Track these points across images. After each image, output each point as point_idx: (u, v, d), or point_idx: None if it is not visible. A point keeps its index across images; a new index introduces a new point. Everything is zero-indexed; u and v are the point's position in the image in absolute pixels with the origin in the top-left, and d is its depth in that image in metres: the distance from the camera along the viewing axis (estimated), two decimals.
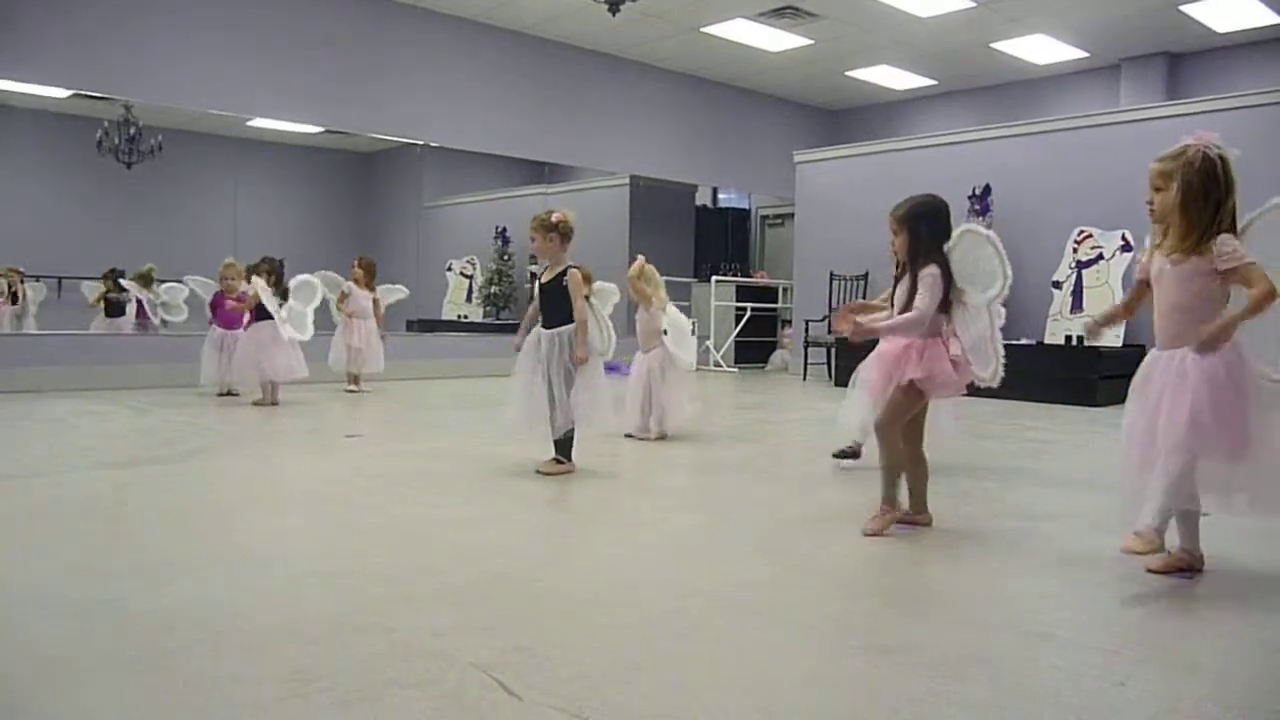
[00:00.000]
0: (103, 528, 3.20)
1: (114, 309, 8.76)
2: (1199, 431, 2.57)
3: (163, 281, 8.97)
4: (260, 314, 6.97)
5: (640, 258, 5.62)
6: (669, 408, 5.45)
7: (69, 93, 8.04)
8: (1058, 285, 8.62)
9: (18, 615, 2.26)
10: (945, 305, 3.23)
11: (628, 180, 11.84)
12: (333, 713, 1.74)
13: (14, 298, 8.47)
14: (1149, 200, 2.75)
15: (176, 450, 4.83)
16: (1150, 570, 2.75)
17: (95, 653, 2.02)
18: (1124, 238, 8.18)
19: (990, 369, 3.22)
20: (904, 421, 3.26)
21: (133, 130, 8.83)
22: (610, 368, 4.60)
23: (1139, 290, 2.92)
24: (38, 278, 8.76)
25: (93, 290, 8.80)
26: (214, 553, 2.89)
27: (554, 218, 4.30)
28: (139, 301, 8.75)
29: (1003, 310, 3.30)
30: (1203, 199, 2.63)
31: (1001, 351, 3.23)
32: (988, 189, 9.06)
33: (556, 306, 4.32)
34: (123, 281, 8.80)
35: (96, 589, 2.47)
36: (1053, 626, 2.31)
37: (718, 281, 12.03)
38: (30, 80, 7.74)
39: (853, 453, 4.61)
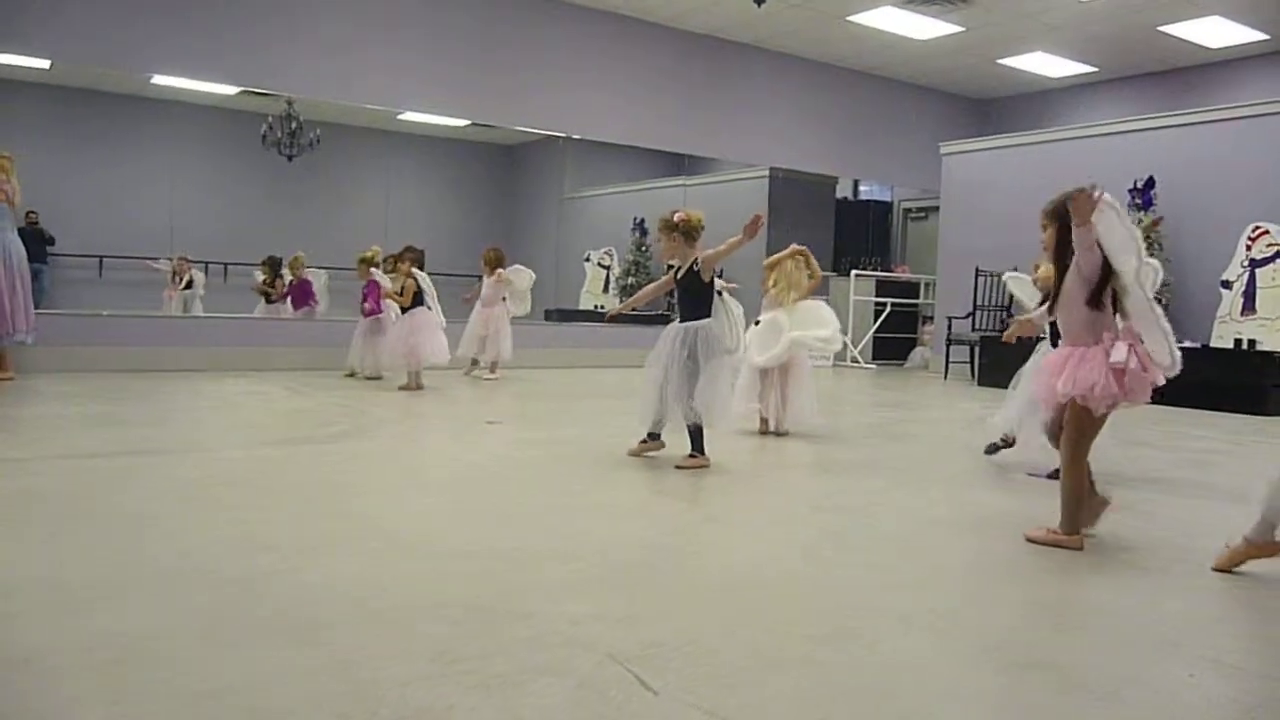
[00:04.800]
0: (259, 503, 3.37)
1: (270, 295, 9.24)
2: None
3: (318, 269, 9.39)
4: (411, 301, 7.22)
5: (793, 246, 5.49)
6: (790, 405, 5.39)
7: (238, 89, 8.52)
8: (1227, 285, 8.08)
9: (177, 584, 2.41)
10: (1114, 300, 2.97)
11: (767, 172, 11.72)
12: (475, 694, 1.78)
13: (188, 283, 9.07)
14: None
15: (329, 431, 5.06)
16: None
17: (249, 623, 2.14)
18: None
19: (1165, 353, 2.91)
20: (1090, 441, 3.06)
21: (294, 125, 9.30)
22: None
23: None
24: (205, 264, 9.33)
25: (262, 276, 9.27)
26: (361, 531, 3.01)
27: (676, 217, 4.35)
28: (299, 288, 9.15)
29: (1157, 267, 3.00)
30: None
31: (1169, 328, 2.91)
32: (1151, 181, 8.56)
33: (691, 299, 4.36)
34: (306, 272, 9.20)
35: (251, 561, 2.60)
36: (1220, 651, 2.16)
37: (857, 276, 11.79)
38: (204, 77, 8.25)
39: (1005, 444, 4.49)
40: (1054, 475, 4.28)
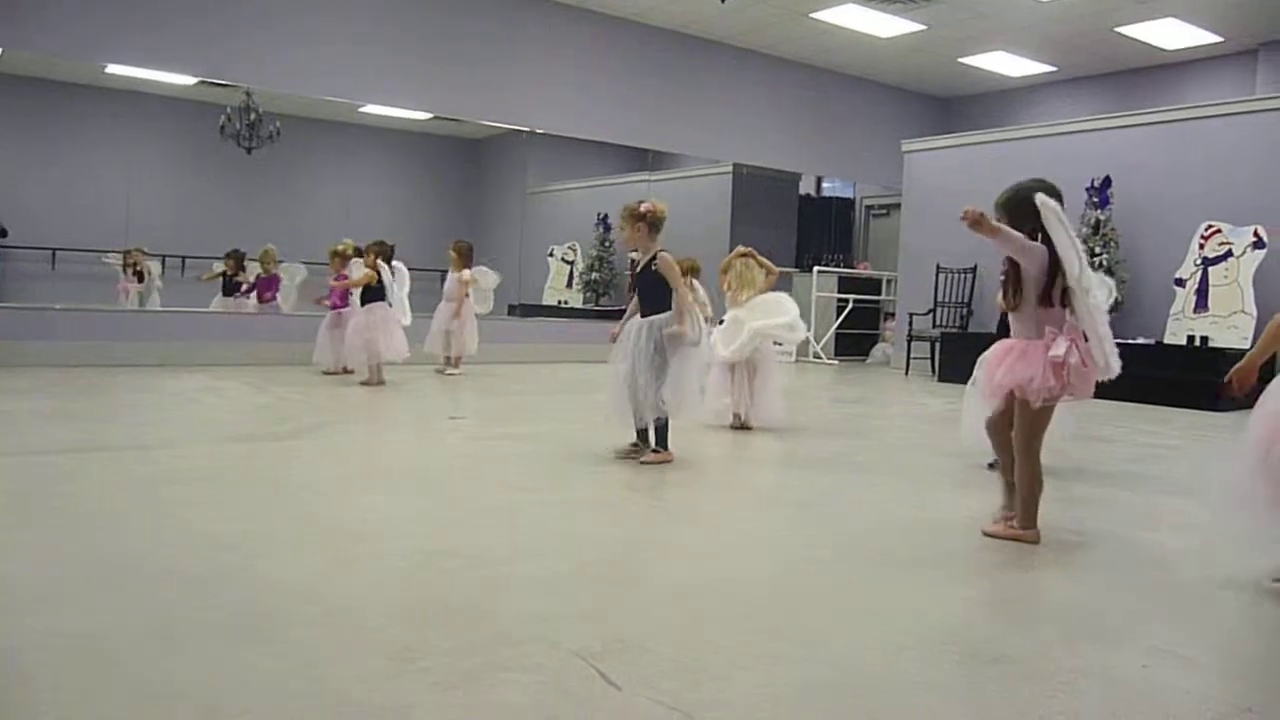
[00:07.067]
0: (216, 500, 3.32)
1: (231, 288, 9.10)
2: None
3: (279, 262, 9.25)
4: (368, 296, 7.14)
5: (739, 248, 5.67)
6: (758, 401, 5.49)
7: (195, 80, 8.37)
8: (1180, 283, 8.22)
9: (132, 582, 2.36)
10: (1063, 297, 2.98)
11: (730, 168, 11.75)
12: (436, 692, 1.77)
13: (139, 276, 8.89)
14: None
15: (290, 427, 5.00)
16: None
17: (206, 622, 2.10)
18: (1256, 234, 7.74)
19: (1101, 358, 2.93)
20: (1040, 435, 3.06)
21: (253, 116, 9.15)
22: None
23: None
24: (162, 258, 9.16)
25: (221, 268, 9.11)
26: (324, 529, 2.97)
27: (642, 207, 4.33)
28: (267, 282, 8.99)
29: (1111, 287, 2.98)
30: None
31: (1108, 334, 2.93)
32: (1107, 181, 8.68)
33: (650, 293, 4.35)
34: (277, 267, 9.04)
35: (209, 560, 2.57)
36: (1174, 643, 2.20)
37: (820, 272, 11.85)
38: (161, 67, 8.10)
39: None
40: (994, 466, 4.36)
